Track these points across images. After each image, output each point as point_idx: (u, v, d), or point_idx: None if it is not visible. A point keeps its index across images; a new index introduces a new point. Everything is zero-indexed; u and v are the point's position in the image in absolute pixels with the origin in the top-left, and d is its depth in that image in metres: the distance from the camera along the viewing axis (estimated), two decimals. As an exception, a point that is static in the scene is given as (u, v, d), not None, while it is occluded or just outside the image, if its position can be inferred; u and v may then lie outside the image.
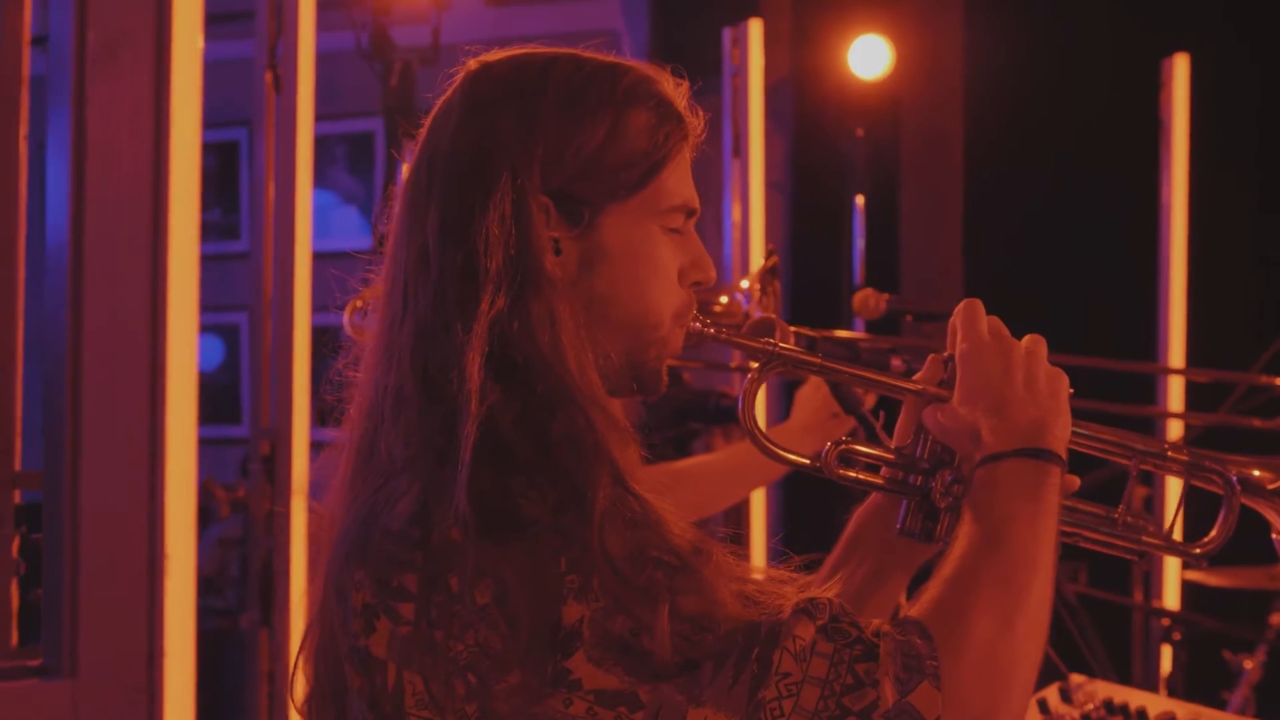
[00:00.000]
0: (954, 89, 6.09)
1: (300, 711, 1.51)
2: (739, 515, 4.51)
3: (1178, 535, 1.66)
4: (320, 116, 3.67)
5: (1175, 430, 4.39)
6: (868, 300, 3.01)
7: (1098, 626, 3.25)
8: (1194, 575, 4.55)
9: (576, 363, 1.41)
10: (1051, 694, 2.54)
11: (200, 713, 2.87)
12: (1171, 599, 4.80)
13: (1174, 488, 4.38)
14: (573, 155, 1.45)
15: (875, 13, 6.01)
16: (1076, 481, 1.60)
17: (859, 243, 5.73)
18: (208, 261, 2.78)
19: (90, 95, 2.27)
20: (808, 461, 1.59)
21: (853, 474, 1.59)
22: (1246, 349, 3.29)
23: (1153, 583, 4.77)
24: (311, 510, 1.53)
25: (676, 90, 1.54)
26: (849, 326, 4.96)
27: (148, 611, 2.33)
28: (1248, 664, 3.95)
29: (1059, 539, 1.48)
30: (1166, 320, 4.98)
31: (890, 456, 1.61)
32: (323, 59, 3.69)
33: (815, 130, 6.40)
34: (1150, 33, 5.43)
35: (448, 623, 1.31)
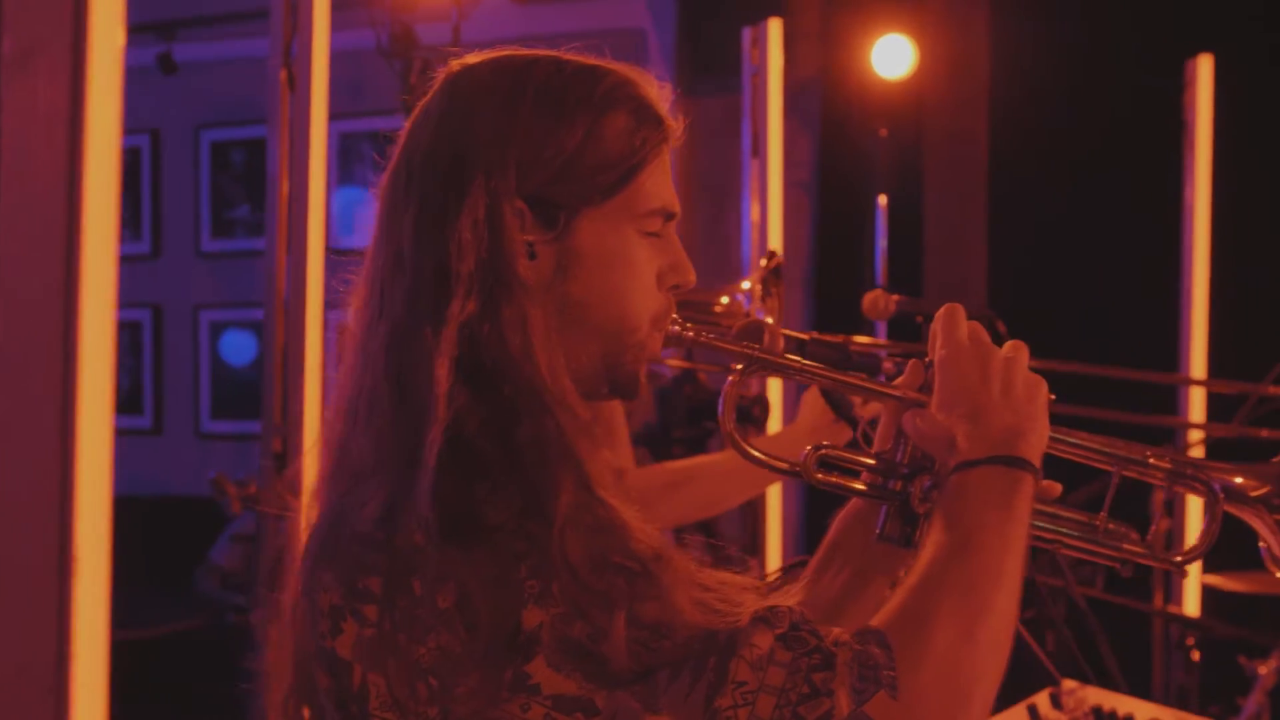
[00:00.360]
0: (978, 89, 6.07)
1: (275, 710, 1.52)
2: (755, 514, 4.52)
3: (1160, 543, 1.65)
4: (346, 114, 3.67)
5: (1195, 440, 4.35)
6: (877, 301, 3.01)
7: (1118, 632, 3.22)
8: (1214, 580, 4.51)
9: (548, 367, 1.40)
10: (1042, 700, 2.52)
11: (224, 706, 2.84)
12: (1192, 604, 4.75)
13: (1194, 506, 4.33)
14: (549, 158, 1.45)
15: (899, 12, 5.99)
16: (1057, 488, 1.59)
17: (881, 243, 5.71)
18: (239, 258, 2.77)
19: (5, 102, 2.27)
20: (786, 466, 1.59)
21: (833, 479, 1.58)
22: (1272, 356, 3.22)
23: (1173, 588, 4.73)
24: (290, 510, 1.54)
25: (659, 93, 1.54)
26: (871, 327, 4.95)
27: (57, 614, 2.32)
28: (1262, 670, 3.91)
29: (1035, 545, 1.47)
30: (1189, 325, 4.95)
31: (870, 461, 1.60)
32: (349, 57, 3.68)
33: (840, 130, 6.39)
34: (1174, 33, 5.40)
35: (410, 626, 1.32)
